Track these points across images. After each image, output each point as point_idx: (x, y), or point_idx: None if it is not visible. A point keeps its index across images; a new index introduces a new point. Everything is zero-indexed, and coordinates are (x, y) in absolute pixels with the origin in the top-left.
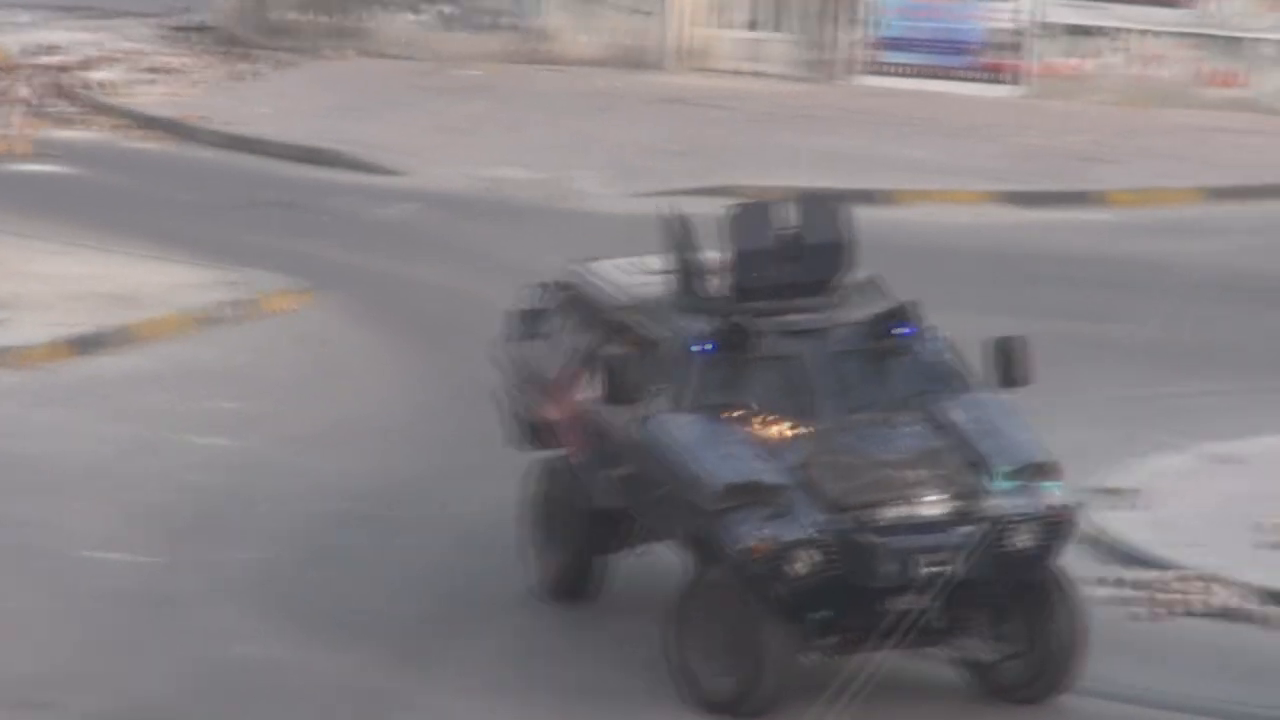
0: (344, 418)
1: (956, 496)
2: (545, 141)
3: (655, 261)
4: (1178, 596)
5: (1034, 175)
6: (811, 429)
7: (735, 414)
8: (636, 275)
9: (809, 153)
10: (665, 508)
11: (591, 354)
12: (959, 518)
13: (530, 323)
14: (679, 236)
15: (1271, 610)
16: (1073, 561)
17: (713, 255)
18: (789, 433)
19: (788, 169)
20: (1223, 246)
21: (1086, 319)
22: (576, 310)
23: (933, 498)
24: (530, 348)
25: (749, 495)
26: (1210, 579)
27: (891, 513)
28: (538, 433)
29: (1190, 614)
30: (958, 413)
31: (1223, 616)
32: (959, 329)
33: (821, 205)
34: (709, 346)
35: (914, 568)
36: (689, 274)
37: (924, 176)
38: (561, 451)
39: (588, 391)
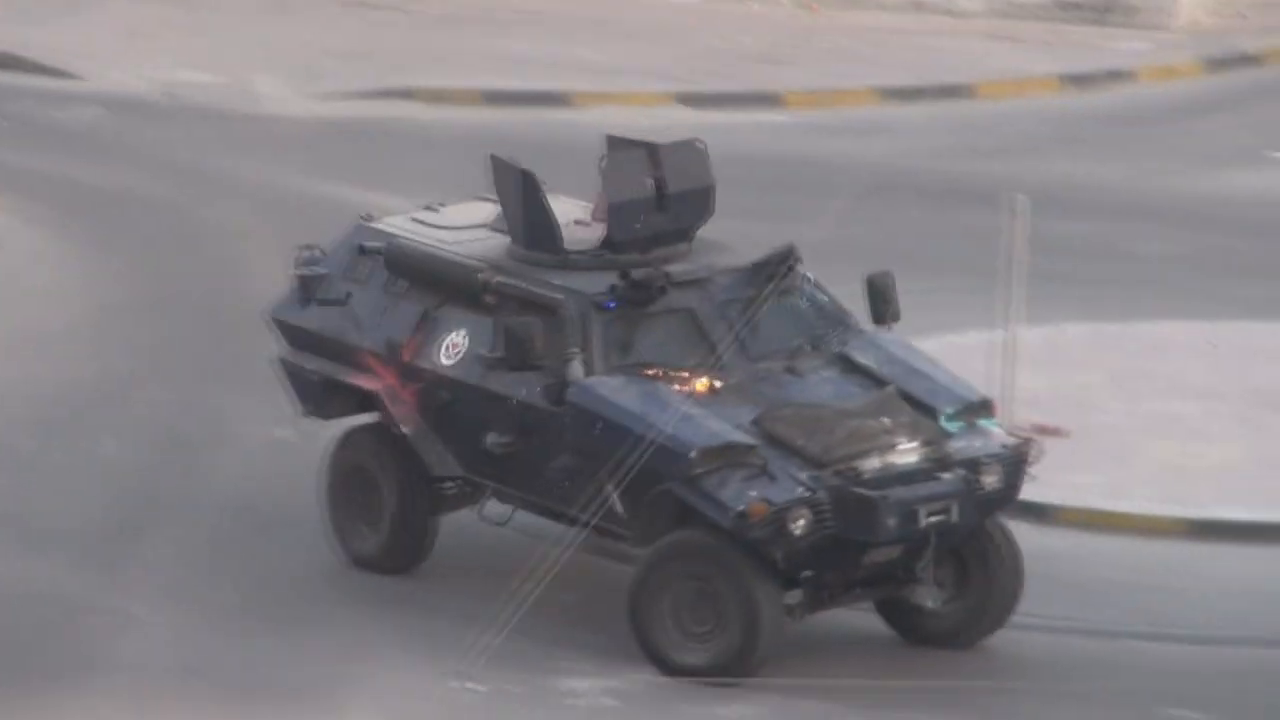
0: (26, 323)
1: (925, 443)
2: (226, 45)
3: (451, 214)
4: None
5: (712, 77)
6: (729, 382)
7: (650, 372)
8: (452, 232)
9: (492, 56)
10: (586, 475)
11: (432, 318)
12: (936, 464)
13: (312, 288)
14: (526, 189)
15: None
16: None
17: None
18: (711, 388)
19: (468, 71)
20: (896, 147)
21: (764, 219)
22: (403, 273)
23: (905, 446)
24: (323, 314)
25: (724, 457)
26: None
27: (872, 464)
28: (335, 402)
29: None
30: (864, 356)
31: None
32: None
33: (688, 149)
34: (611, 304)
35: (916, 519)
36: (544, 228)
37: (604, 79)
38: (371, 421)
39: (434, 357)
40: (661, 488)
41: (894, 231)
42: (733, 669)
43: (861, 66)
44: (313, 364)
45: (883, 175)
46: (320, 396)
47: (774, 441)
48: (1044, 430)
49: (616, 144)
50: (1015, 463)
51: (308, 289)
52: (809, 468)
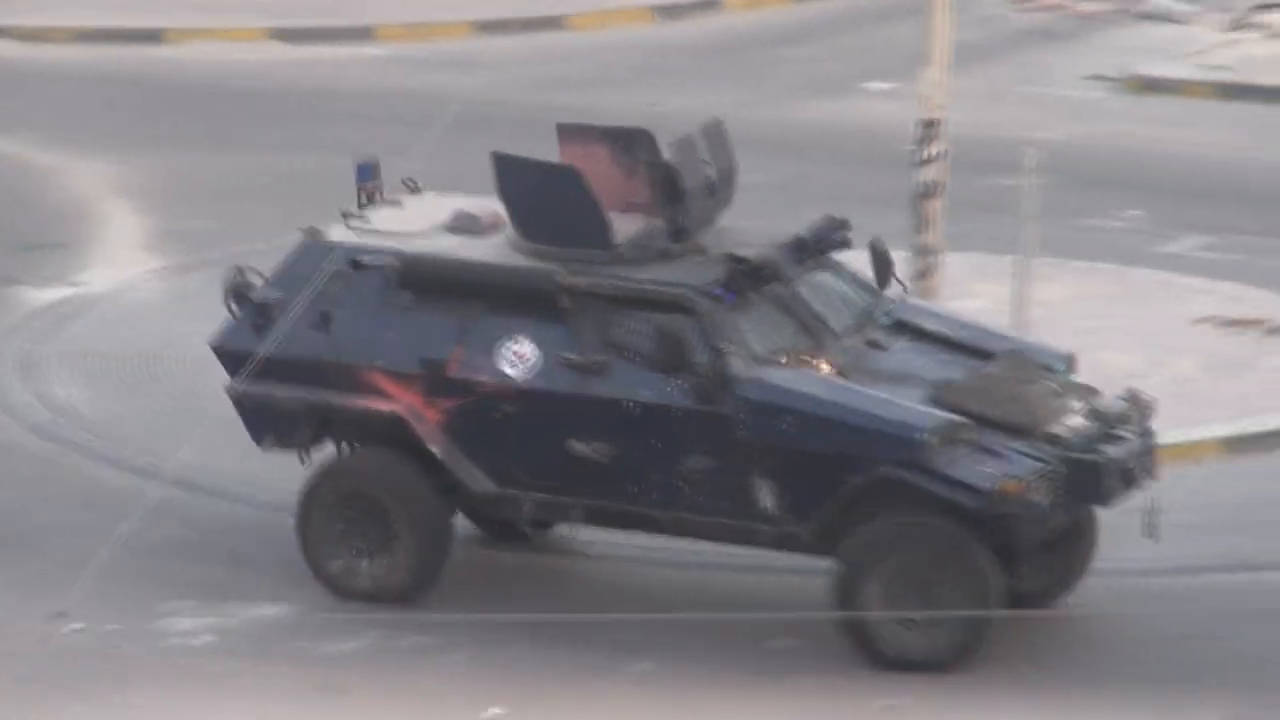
0: None
1: (1086, 403)
2: None
3: (396, 219)
4: None
5: (307, 11)
6: (841, 362)
7: (796, 357)
8: (425, 237)
9: None
10: (736, 474)
11: (473, 329)
12: (1104, 423)
13: (268, 312)
14: (572, 185)
15: None
16: None
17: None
18: (838, 369)
19: (63, 9)
20: (489, 79)
21: (361, 153)
22: (426, 284)
23: (1076, 406)
24: (295, 337)
25: (950, 435)
26: None
27: (1067, 428)
28: (304, 430)
29: None
30: (927, 322)
31: None
32: (247, 167)
33: (718, 132)
34: (728, 294)
35: (1132, 479)
36: (594, 223)
37: (200, 14)
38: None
39: (492, 369)
40: (867, 477)
41: (485, 165)
42: (953, 656)
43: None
44: (284, 392)
45: (475, 107)
46: (292, 426)
47: (968, 416)
48: None
49: (612, 133)
50: (1148, 415)
51: (262, 313)
52: (1018, 437)
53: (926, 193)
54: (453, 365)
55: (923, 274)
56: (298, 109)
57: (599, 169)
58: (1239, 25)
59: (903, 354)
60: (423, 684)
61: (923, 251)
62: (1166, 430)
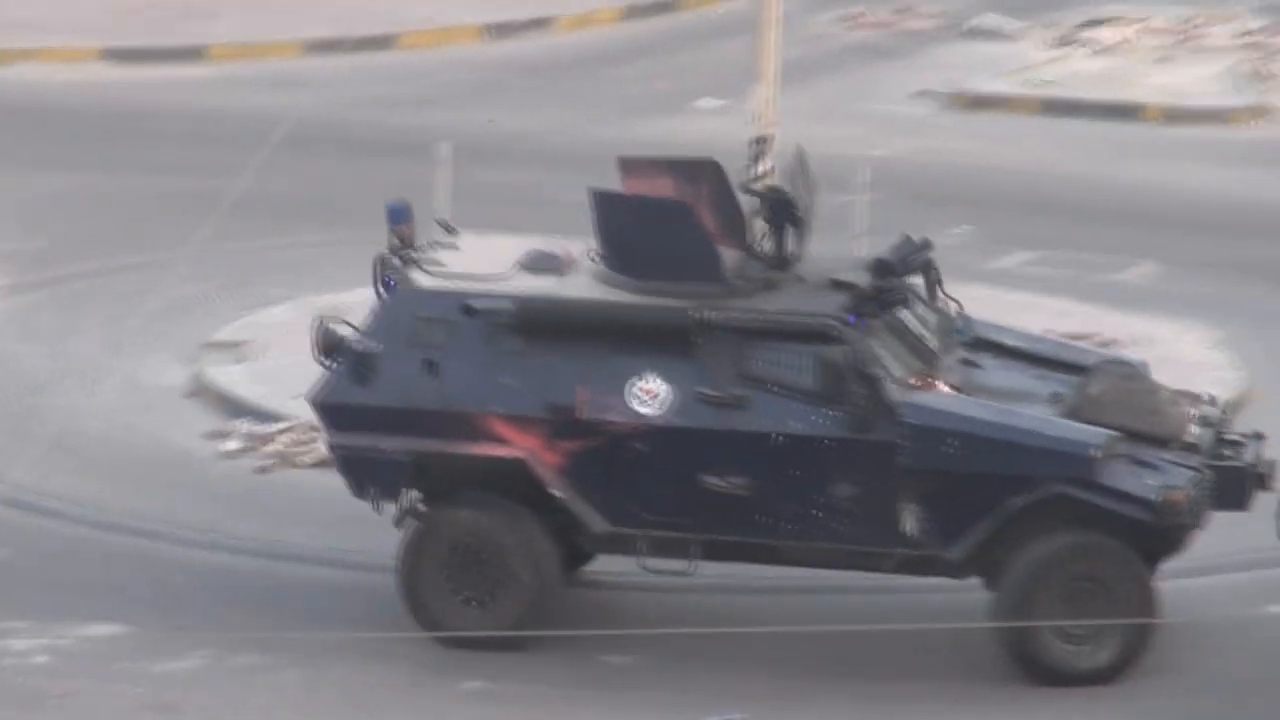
0: None
1: (1199, 412)
2: None
3: (475, 262)
4: (285, 448)
5: (136, 31)
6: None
7: (923, 380)
8: (513, 279)
9: None
10: (884, 501)
11: (597, 369)
12: (1217, 428)
13: (372, 364)
14: (683, 220)
15: None
16: (186, 417)
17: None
18: (958, 388)
19: None
20: (320, 98)
21: (189, 174)
22: (545, 328)
23: (1194, 415)
24: (402, 387)
25: (1111, 450)
26: (315, 430)
27: (1198, 437)
28: (404, 480)
29: (296, 465)
30: (1001, 337)
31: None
32: (80, 188)
33: (801, 162)
34: (863, 321)
35: (1263, 482)
36: (707, 257)
37: (27, 34)
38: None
39: (622, 408)
40: (1032, 496)
41: (316, 183)
42: (1119, 668)
43: (286, 19)
44: (390, 442)
45: (307, 127)
46: (396, 476)
47: (1112, 429)
48: None
49: (681, 164)
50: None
51: (363, 364)
52: (1162, 447)
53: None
54: (581, 407)
55: None
56: (127, 129)
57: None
58: (1065, 42)
59: (998, 370)
60: (255, 701)
61: None
62: None
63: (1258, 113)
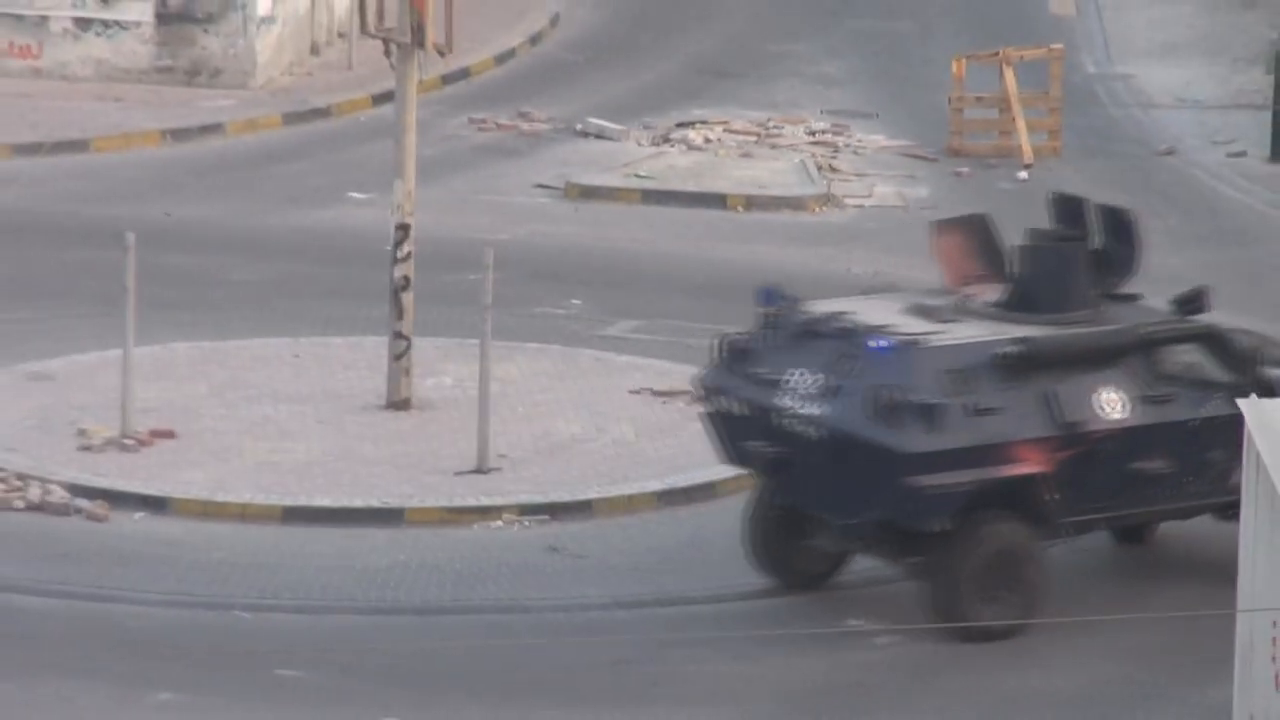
0: None
1: None
2: None
3: (886, 315)
4: (1, 494)
5: None
6: None
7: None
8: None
9: None
10: None
11: (1082, 388)
12: None
13: (943, 413)
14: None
15: (82, 503)
16: None
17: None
18: None
19: None
20: (23, 194)
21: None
22: (1053, 362)
23: None
24: (969, 426)
25: None
26: (27, 477)
27: None
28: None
29: (10, 509)
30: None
31: (38, 509)
32: None
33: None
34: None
35: None
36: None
37: None
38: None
39: (1101, 417)
40: None
41: (22, 267)
42: None
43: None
44: (955, 478)
45: (13, 217)
46: (955, 505)
47: None
48: (157, 434)
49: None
50: None
51: (940, 416)
52: None
53: (401, 286)
54: (1081, 423)
55: (398, 356)
56: None
57: (957, 250)
58: (660, 141)
59: None
60: None
61: (398, 336)
62: (607, 486)
63: (824, 200)
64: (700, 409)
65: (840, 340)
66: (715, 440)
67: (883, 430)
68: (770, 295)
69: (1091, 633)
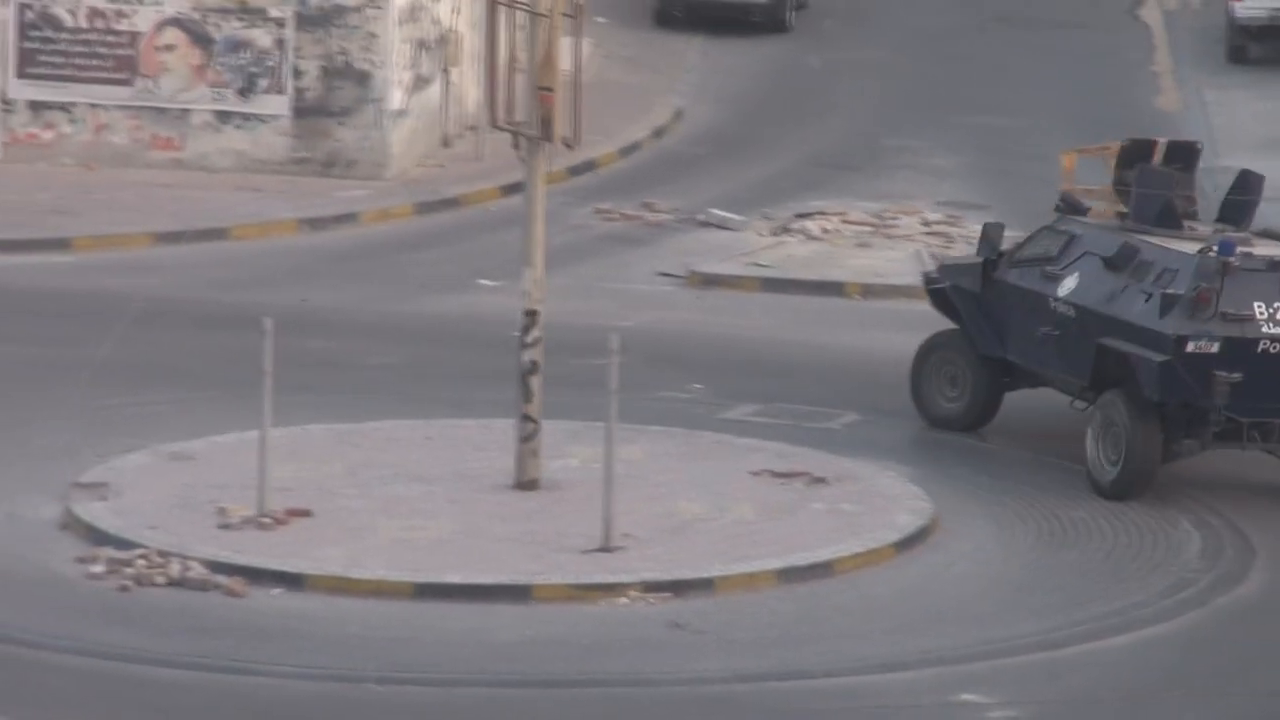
0: None
1: None
2: None
3: None
4: (140, 570)
5: (10, 226)
6: None
7: None
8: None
9: None
10: None
11: None
12: None
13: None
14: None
15: (220, 579)
16: (59, 546)
17: None
18: None
19: None
20: (167, 281)
21: (57, 345)
22: None
23: None
24: None
25: None
26: (168, 554)
27: None
28: None
29: (151, 585)
30: None
31: (178, 585)
32: None
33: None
34: None
35: None
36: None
37: None
38: None
39: None
40: None
41: (164, 351)
42: None
43: (137, 215)
44: None
45: (156, 304)
46: None
47: None
48: (293, 512)
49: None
50: None
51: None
52: None
53: (530, 370)
54: None
55: (526, 438)
56: (4, 308)
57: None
58: (780, 231)
59: None
60: None
61: (527, 419)
62: (728, 564)
63: None
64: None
65: None
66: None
67: None
68: (1228, 247)
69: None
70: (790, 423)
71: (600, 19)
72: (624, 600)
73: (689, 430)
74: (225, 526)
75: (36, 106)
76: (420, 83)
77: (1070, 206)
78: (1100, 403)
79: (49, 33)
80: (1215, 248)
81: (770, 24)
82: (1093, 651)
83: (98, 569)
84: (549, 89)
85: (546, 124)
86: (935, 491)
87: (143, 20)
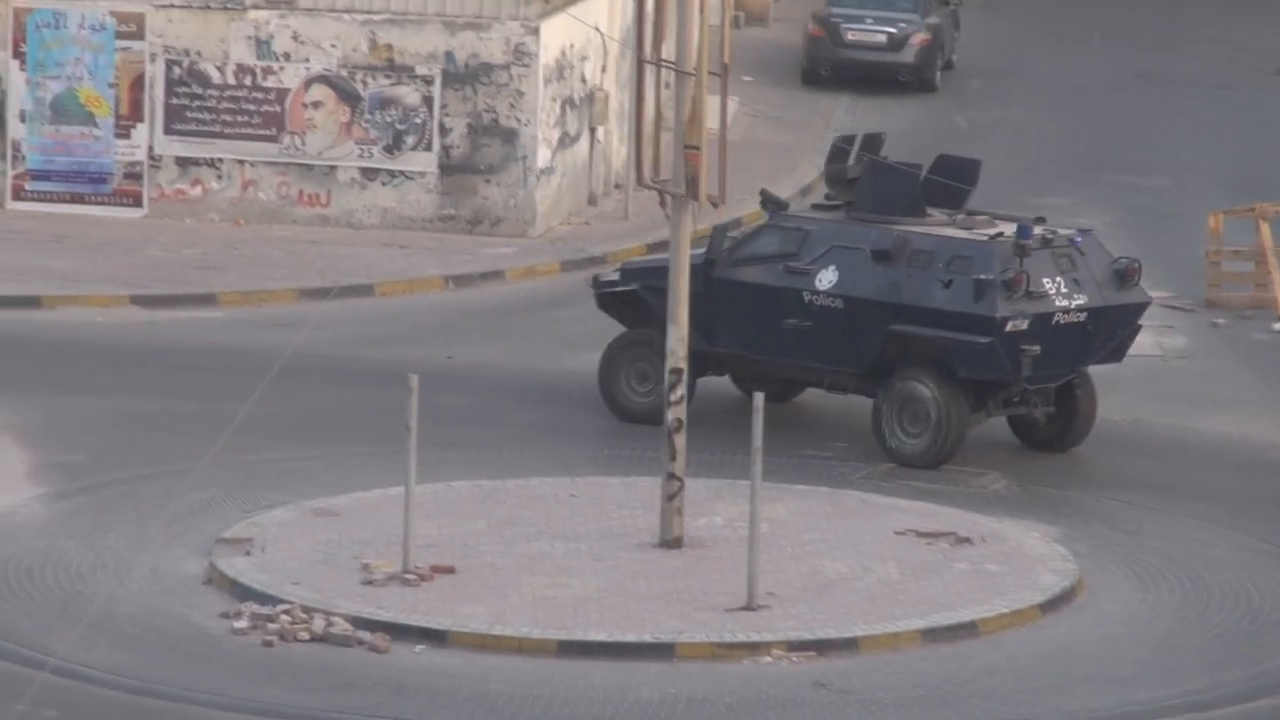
0: None
1: None
2: None
3: None
4: (284, 626)
5: (158, 281)
6: None
7: None
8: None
9: None
10: None
11: None
12: None
13: None
14: None
15: (364, 635)
16: (203, 601)
17: None
18: None
19: None
20: (312, 336)
21: (202, 399)
22: None
23: None
24: None
25: None
26: (312, 610)
27: None
28: None
29: (295, 640)
30: None
31: (322, 641)
32: (112, 410)
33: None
34: None
35: None
36: None
37: (69, 284)
38: None
39: None
40: None
41: (309, 407)
42: None
43: (282, 270)
44: None
45: (301, 359)
46: None
47: None
48: (437, 569)
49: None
50: None
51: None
52: None
53: (675, 428)
54: None
55: (671, 496)
56: (152, 362)
57: None
58: None
59: None
60: None
61: (671, 477)
62: (872, 624)
63: None
64: None
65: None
66: None
67: None
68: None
69: None
70: (932, 486)
71: (747, 77)
72: (767, 659)
73: (833, 489)
74: (369, 582)
75: (184, 162)
76: (567, 140)
77: (772, 202)
78: (895, 384)
79: (196, 89)
80: (1015, 232)
81: (917, 83)
82: (1238, 715)
83: (242, 624)
84: (695, 147)
85: (693, 182)
86: (1079, 551)
87: (290, 77)
